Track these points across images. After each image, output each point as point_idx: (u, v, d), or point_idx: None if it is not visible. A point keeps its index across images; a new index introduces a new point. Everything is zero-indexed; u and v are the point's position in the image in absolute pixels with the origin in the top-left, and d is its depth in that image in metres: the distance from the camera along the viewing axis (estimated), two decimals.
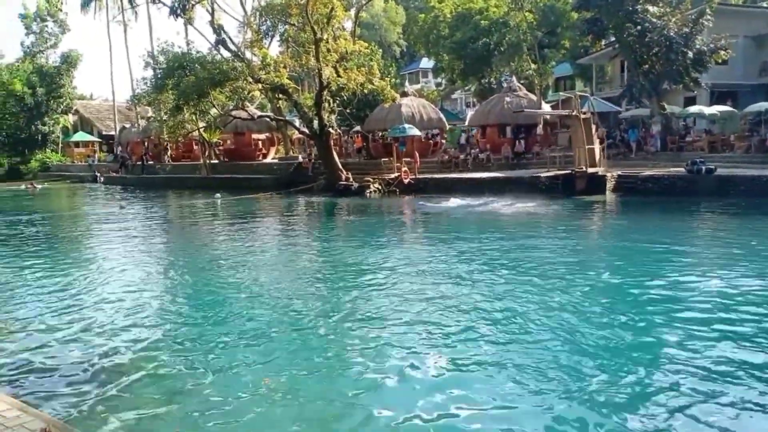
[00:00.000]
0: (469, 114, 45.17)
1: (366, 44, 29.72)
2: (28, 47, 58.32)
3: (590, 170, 22.12)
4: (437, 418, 4.87)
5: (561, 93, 39.46)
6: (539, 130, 31.00)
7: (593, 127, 23.48)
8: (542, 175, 22.92)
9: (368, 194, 25.92)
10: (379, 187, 26.58)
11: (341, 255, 12.50)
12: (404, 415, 4.92)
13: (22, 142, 54.18)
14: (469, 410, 4.97)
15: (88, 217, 23.13)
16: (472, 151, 30.62)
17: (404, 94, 33.80)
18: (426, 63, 63.49)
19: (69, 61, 54.16)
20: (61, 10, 57.02)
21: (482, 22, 39.88)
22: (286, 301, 8.69)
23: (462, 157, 29.79)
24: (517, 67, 41.66)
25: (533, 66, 40.03)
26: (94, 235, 17.73)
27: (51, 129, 54.10)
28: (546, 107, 32.32)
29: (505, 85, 35.62)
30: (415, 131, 29.90)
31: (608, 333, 6.73)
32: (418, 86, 57.50)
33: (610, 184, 22.00)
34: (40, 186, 42.01)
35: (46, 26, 57.60)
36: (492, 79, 44.28)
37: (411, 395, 5.30)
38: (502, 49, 40.32)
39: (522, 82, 36.51)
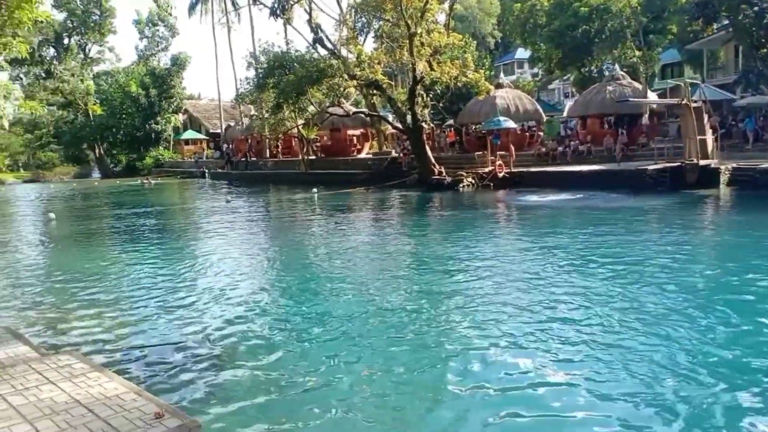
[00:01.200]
0: (568, 105, 43.57)
1: (460, 36, 29.43)
2: (142, 51, 62.71)
3: (702, 162, 20.68)
4: (534, 417, 4.77)
5: (669, 80, 37.15)
6: (644, 120, 29.35)
7: (705, 116, 21.93)
8: (649, 167, 21.66)
9: (461, 188, 25.69)
10: (473, 182, 26.26)
11: (434, 249, 12.49)
12: (500, 411, 4.85)
13: (138, 140, 58.45)
14: (569, 415, 4.82)
15: (197, 210, 24.57)
16: (571, 143, 29.51)
17: (499, 86, 33.14)
18: (522, 53, 61.93)
19: (178, 63, 57.69)
20: (170, 14, 60.83)
21: (582, 9, 38.27)
22: (380, 293, 8.81)
23: (560, 149, 28.79)
24: (619, 55, 39.65)
25: (637, 53, 37.95)
26: (202, 228, 18.80)
27: (163, 127, 57.93)
28: (652, 96, 30.53)
29: (606, 73, 34.05)
30: (510, 123, 29.24)
31: (722, 338, 6.28)
32: (514, 77, 56.23)
33: (724, 177, 20.45)
34: (154, 181, 45.12)
35: (158, 30, 61.63)
36: (593, 68, 42.44)
37: (504, 391, 5.22)
38: (603, 36, 38.51)
39: (625, 70, 34.69)
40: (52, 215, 22.76)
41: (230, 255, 12.98)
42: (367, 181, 29.92)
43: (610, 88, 29.16)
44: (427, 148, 29.01)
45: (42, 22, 12.51)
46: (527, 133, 32.99)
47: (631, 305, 7.54)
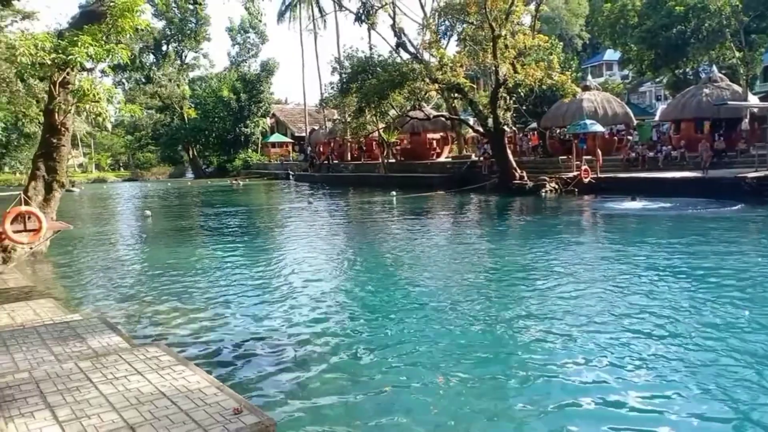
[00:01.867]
0: (660, 108, 41.50)
1: (546, 38, 28.71)
2: (234, 57, 65.57)
3: None
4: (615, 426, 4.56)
5: None
6: (744, 125, 27.46)
7: None
8: (749, 175, 20.25)
9: (544, 194, 25.03)
10: (556, 187, 25.53)
11: (513, 255, 12.24)
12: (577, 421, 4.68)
13: (228, 143, 61.12)
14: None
15: (281, 210, 25.32)
16: (663, 148, 28.06)
17: (586, 88, 32.06)
18: (611, 54, 59.58)
19: (267, 69, 59.86)
20: (261, 21, 63.27)
21: (677, 8, 36.33)
22: (456, 299, 8.74)
23: (651, 154, 27.45)
24: (717, 56, 37.33)
25: (738, 54, 35.54)
26: (285, 227, 19.36)
27: (252, 131, 60.29)
28: (753, 99, 28.54)
29: (703, 75, 32.16)
30: (597, 127, 28.19)
31: None
32: (602, 79, 54.17)
33: None
34: (242, 182, 46.97)
35: (248, 37, 64.28)
36: (687, 70, 40.21)
37: (582, 407, 5.02)
38: (700, 36, 36.37)
39: (723, 72, 32.60)
40: (148, 212, 24.17)
41: (310, 255, 13.30)
42: (445, 184, 29.78)
43: (706, 90, 27.54)
44: (509, 151, 28.50)
45: (143, 30, 13.28)
46: (615, 137, 31.70)
47: (724, 321, 7.07)
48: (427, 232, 16.52)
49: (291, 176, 47.76)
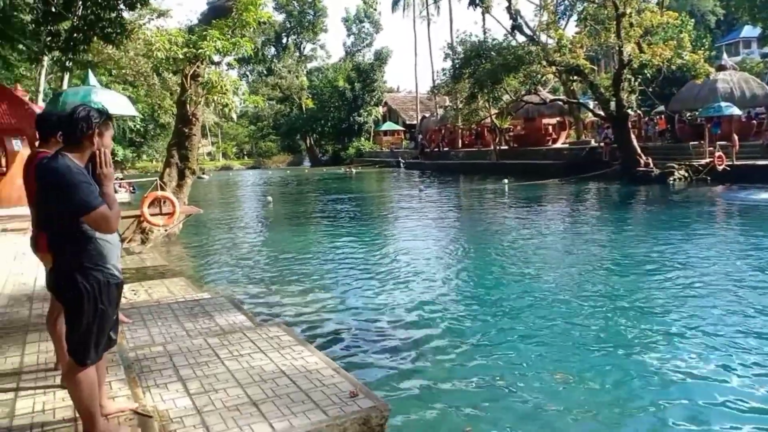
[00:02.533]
0: None
1: (675, 15, 26.67)
2: (348, 47, 66.97)
3: None
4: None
5: None
6: None
7: None
8: None
9: (671, 182, 23.36)
10: (685, 174, 23.75)
11: (635, 247, 11.51)
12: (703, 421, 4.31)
13: (342, 132, 62.72)
14: None
15: (392, 198, 25.62)
16: None
17: (721, 68, 29.43)
18: (749, 31, 54.19)
19: (381, 58, 60.59)
20: (375, 10, 64.08)
21: None
22: (571, 291, 8.37)
23: None
24: None
25: None
26: (396, 214, 19.57)
27: (365, 119, 61.44)
28: None
29: None
30: (734, 110, 25.80)
31: None
32: (739, 58, 49.45)
33: None
34: (355, 170, 48.05)
35: (363, 27, 65.33)
36: None
37: (712, 407, 4.62)
38: None
39: None
40: (269, 198, 25.40)
41: (419, 241, 13.35)
42: (562, 172, 28.63)
43: None
44: (633, 137, 26.85)
45: (265, 23, 13.84)
46: (754, 121, 28.85)
47: None
48: (541, 222, 15.98)
49: (401, 164, 48.13)
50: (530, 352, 6.12)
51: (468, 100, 29.87)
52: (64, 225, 2.81)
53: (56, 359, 4.07)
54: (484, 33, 32.54)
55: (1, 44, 17.67)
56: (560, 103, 34.45)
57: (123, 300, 3.96)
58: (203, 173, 46.93)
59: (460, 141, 45.98)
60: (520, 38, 29.49)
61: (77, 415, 3.27)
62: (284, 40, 66.23)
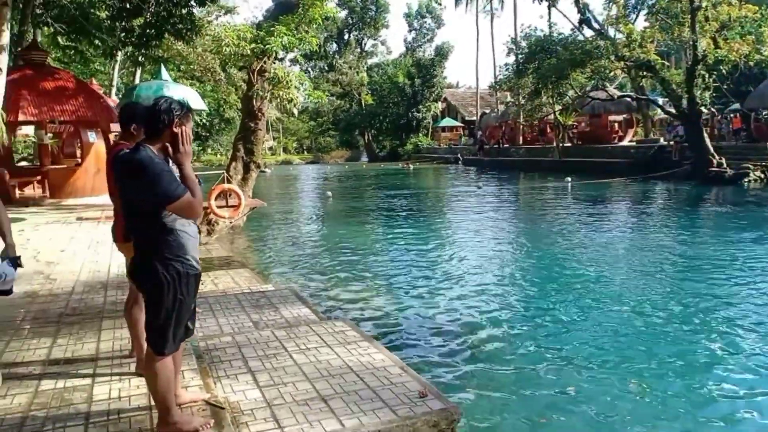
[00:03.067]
0: None
1: (754, 9, 25.19)
2: (409, 43, 66.81)
3: None
4: None
5: None
6: None
7: None
8: None
9: (746, 183, 22.17)
10: (762, 176, 22.51)
11: (704, 251, 10.94)
12: None
13: (400, 128, 62.69)
14: None
15: (450, 195, 25.38)
16: None
17: None
18: None
19: (442, 53, 60.17)
20: (440, 4, 63.66)
21: None
22: (639, 295, 8.02)
23: None
24: None
25: None
26: (453, 211, 19.36)
27: (423, 115, 61.19)
28: None
29: None
30: None
31: None
32: None
33: None
34: (412, 166, 47.93)
35: (425, 22, 65.00)
36: None
37: None
38: None
39: None
40: (329, 193, 25.65)
41: (477, 239, 13.18)
42: (628, 171, 27.59)
43: None
44: (705, 135, 25.60)
45: (328, 19, 13.90)
46: None
47: None
48: (606, 222, 15.45)
49: (459, 160, 47.65)
50: (598, 356, 5.90)
51: (531, 96, 29.22)
52: (145, 216, 2.86)
53: (131, 347, 4.18)
54: (550, 27, 31.62)
55: (79, 39, 18.51)
56: (628, 99, 33.23)
57: None
58: (265, 167, 47.85)
59: (520, 138, 45.09)
60: (588, 33, 28.60)
61: (152, 403, 3.34)
62: (346, 36, 66.71)
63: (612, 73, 29.85)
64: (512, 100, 42.20)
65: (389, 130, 64.83)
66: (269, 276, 9.74)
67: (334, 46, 66.60)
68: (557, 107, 34.01)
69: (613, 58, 25.45)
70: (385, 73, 64.65)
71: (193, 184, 2.84)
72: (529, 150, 42.01)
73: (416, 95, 60.35)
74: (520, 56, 30.14)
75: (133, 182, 2.82)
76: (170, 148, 2.86)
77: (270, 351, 4.40)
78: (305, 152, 78.70)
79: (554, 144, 37.60)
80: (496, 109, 49.54)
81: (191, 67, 22.53)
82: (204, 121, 41.25)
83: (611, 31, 29.31)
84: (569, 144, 38.36)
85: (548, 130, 41.45)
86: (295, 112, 15.16)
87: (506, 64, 34.64)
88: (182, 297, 2.91)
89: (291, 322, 5.40)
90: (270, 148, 73.18)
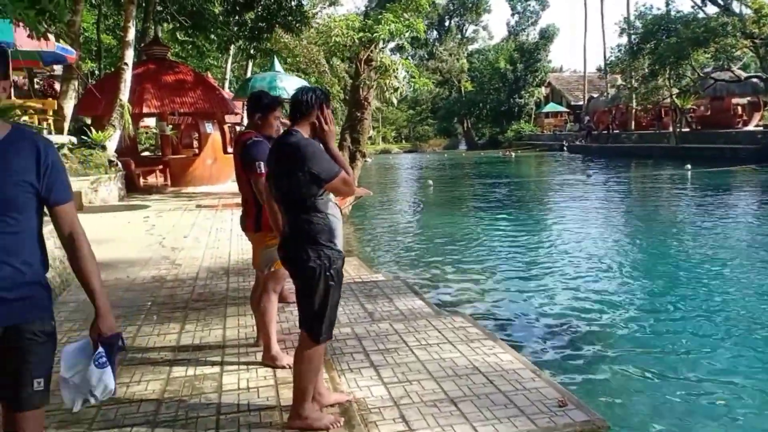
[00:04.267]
0: None
1: None
2: (512, 27, 64.87)
3: None
4: None
5: None
6: None
7: None
8: None
9: None
10: None
11: None
12: None
13: (501, 114, 61.16)
14: None
15: (554, 183, 24.39)
16: None
17: None
18: None
19: (546, 36, 57.97)
20: None
21: None
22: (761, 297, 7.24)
23: None
24: None
25: None
26: (558, 201, 18.55)
27: (526, 101, 59.30)
28: None
29: None
30: None
31: None
32: None
33: None
34: (513, 153, 46.67)
35: (529, 5, 62.80)
36: None
37: None
38: None
39: None
40: (430, 182, 25.46)
41: (587, 231, 12.56)
42: (756, 158, 25.21)
43: None
44: None
45: (431, 6, 13.65)
46: None
47: None
48: (731, 214, 14.17)
49: (564, 147, 45.74)
50: (737, 362, 5.33)
51: (647, 78, 27.41)
52: (298, 201, 2.86)
53: (256, 335, 4.22)
54: (668, 5, 29.47)
55: (196, 34, 19.45)
56: (756, 80, 30.34)
57: None
58: (365, 156, 48.36)
59: (632, 123, 42.52)
60: (712, 9, 26.38)
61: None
62: (446, 23, 65.88)
63: (738, 52, 27.39)
64: (623, 83, 39.85)
65: (489, 117, 63.45)
66: (376, 265, 9.72)
67: (435, 33, 65.97)
68: (674, 90, 31.72)
69: (739, 35, 23.31)
70: (485, 58, 63.23)
71: (342, 162, 2.93)
72: (641, 136, 39.55)
73: (518, 80, 58.56)
74: (634, 36, 28.34)
75: (291, 165, 2.81)
76: (318, 127, 2.93)
77: (390, 345, 4.30)
78: (403, 141, 78.87)
79: (670, 129, 35.16)
80: (605, 93, 46.98)
81: (297, 59, 23.12)
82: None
83: (737, 7, 26.86)
84: (687, 129, 35.72)
85: (663, 114, 38.81)
86: (395, 100, 15.07)
87: (618, 45, 32.89)
88: (333, 283, 2.90)
89: (407, 314, 5.27)
90: (369, 138, 74.04)
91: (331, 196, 2.93)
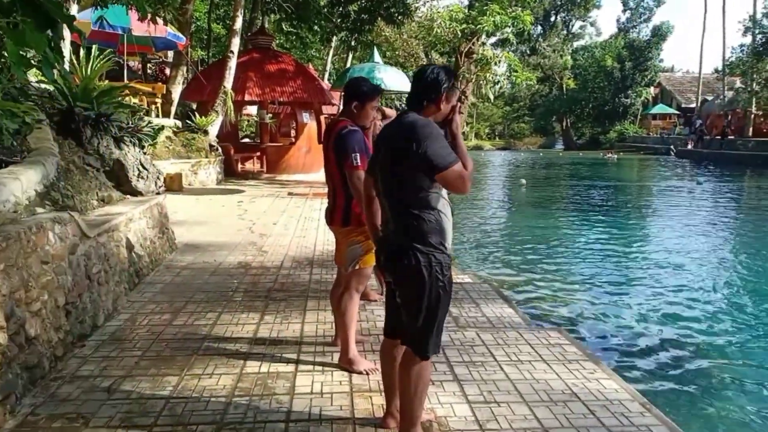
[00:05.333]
0: None
1: None
2: (623, 23, 61.60)
3: None
4: None
5: None
6: None
7: None
8: None
9: None
10: None
11: None
12: None
13: (604, 114, 58.35)
14: None
15: (660, 189, 22.76)
16: None
17: None
18: None
19: (659, 34, 54.57)
20: None
21: None
22: None
23: None
24: None
25: None
26: (666, 209, 17.22)
27: (632, 101, 56.20)
28: None
29: None
30: None
31: None
32: None
33: None
34: (615, 155, 44.33)
35: (643, 0, 59.28)
36: None
37: None
38: None
39: None
40: (523, 181, 24.56)
41: (694, 243, 11.54)
42: None
43: None
44: None
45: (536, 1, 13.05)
46: None
47: None
48: None
49: (672, 151, 42.87)
50: None
51: None
52: (408, 194, 2.52)
53: (334, 334, 4.01)
54: None
55: (300, 26, 19.75)
56: None
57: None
58: None
59: (751, 128, 39.11)
60: None
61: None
62: (552, 18, 63.58)
63: None
64: (742, 85, 36.73)
65: (591, 116, 60.72)
66: (462, 266, 9.34)
67: (539, 29, 63.87)
68: None
69: None
70: (591, 56, 60.42)
71: (465, 156, 2.55)
72: (759, 143, 36.30)
73: (626, 79, 55.51)
74: (760, 36, 25.93)
75: (404, 149, 2.47)
76: (446, 115, 2.62)
77: (476, 357, 3.95)
78: (497, 138, 77.28)
79: None
80: (722, 96, 43.56)
81: (396, 53, 23.00)
82: (403, 107, 42.23)
83: None
84: None
85: None
86: (491, 95, 14.54)
87: (741, 45, 30.12)
88: (444, 293, 2.57)
89: (495, 323, 4.90)
90: (462, 133, 73.06)
91: (444, 192, 2.57)
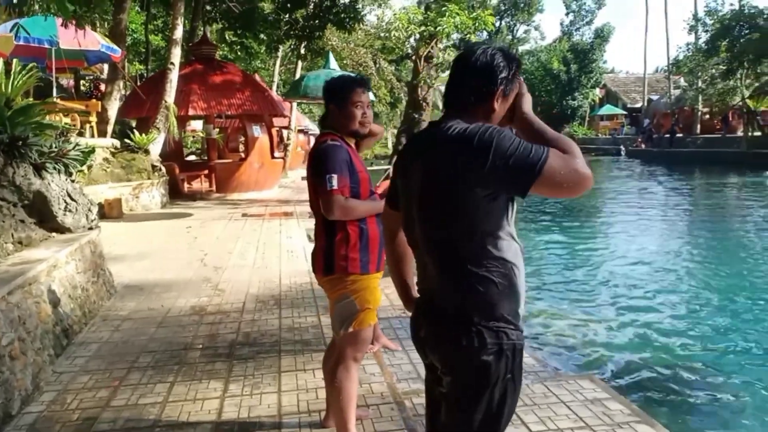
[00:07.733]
0: None
1: None
2: (566, 26, 62.66)
3: None
4: None
5: None
6: None
7: None
8: None
9: None
10: None
11: None
12: None
13: (552, 118, 59.00)
14: None
15: (616, 190, 22.56)
16: None
17: None
18: None
19: (602, 36, 55.70)
20: None
21: None
22: None
23: None
24: None
25: None
26: (615, 211, 16.89)
27: (580, 103, 57.11)
28: None
29: None
30: None
31: None
32: None
33: None
34: None
35: (584, 3, 60.46)
36: None
37: None
38: None
39: None
40: None
41: (641, 242, 11.19)
42: None
43: None
44: None
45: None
46: None
47: None
48: None
49: (622, 152, 43.60)
50: None
51: (722, 77, 25.39)
52: (466, 241, 1.62)
53: (325, 413, 3.12)
54: (740, 1, 27.34)
55: (245, 35, 18.72)
56: None
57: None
58: None
59: (698, 126, 40.04)
60: None
61: None
62: (497, 24, 64.14)
63: None
64: (687, 84, 37.62)
65: (541, 119, 61.40)
66: None
67: (484, 34, 64.33)
68: (746, 92, 29.50)
69: None
70: (537, 60, 61.22)
71: (559, 138, 1.68)
72: (708, 140, 37.13)
73: (572, 82, 56.40)
74: (707, 33, 26.36)
75: (457, 171, 1.57)
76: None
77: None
78: None
79: (739, 133, 32.83)
80: (668, 95, 44.54)
81: (344, 62, 22.20)
82: None
83: None
84: (759, 133, 33.28)
85: (731, 117, 36.37)
86: None
87: (687, 44, 30.67)
88: (511, 385, 1.68)
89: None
90: None
91: (516, 234, 1.69)
